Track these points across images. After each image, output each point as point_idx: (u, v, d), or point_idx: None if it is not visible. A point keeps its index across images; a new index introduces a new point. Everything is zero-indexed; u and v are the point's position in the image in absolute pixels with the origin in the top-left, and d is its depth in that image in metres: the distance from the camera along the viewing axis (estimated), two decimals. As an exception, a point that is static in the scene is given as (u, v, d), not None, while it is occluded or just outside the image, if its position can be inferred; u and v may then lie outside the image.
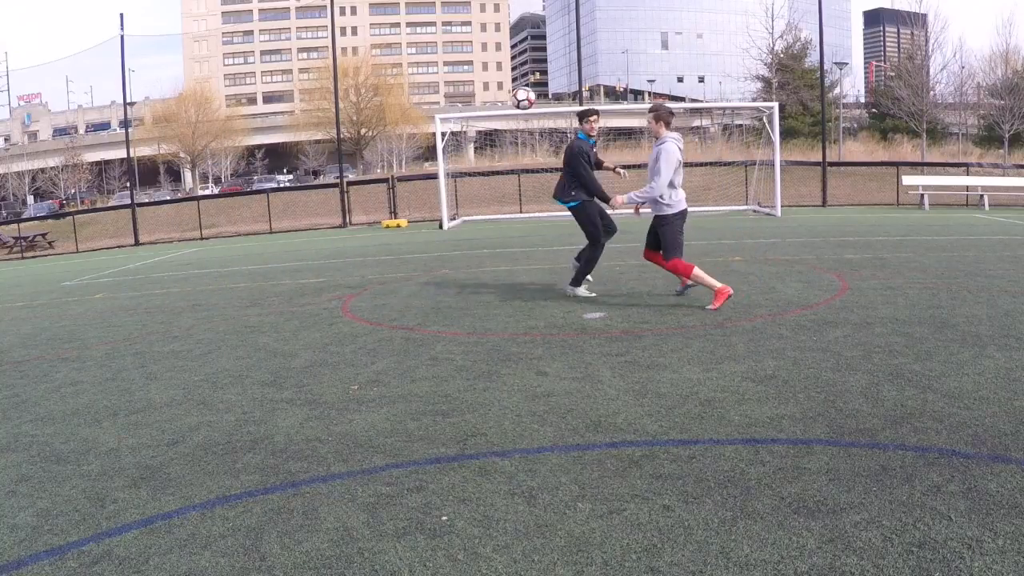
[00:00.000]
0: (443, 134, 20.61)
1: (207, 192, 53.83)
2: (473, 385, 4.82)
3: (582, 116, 7.80)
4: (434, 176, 23.08)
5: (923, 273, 8.50)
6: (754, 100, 45.76)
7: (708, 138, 54.64)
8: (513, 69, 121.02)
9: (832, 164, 27.17)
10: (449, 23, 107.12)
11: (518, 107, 9.93)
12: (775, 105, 21.30)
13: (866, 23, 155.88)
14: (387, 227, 23.13)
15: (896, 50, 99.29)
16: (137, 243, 25.04)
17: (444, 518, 3.00)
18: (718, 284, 6.87)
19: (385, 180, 27.85)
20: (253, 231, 26.21)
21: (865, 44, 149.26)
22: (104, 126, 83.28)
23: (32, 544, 2.99)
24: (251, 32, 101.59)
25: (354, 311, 7.84)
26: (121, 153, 50.71)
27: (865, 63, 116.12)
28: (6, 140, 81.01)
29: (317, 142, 61.38)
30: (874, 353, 5.09)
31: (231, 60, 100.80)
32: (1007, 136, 38.40)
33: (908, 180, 23.20)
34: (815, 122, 41.44)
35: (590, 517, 2.93)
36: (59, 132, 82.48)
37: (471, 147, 54.85)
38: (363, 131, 60.03)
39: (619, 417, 4.07)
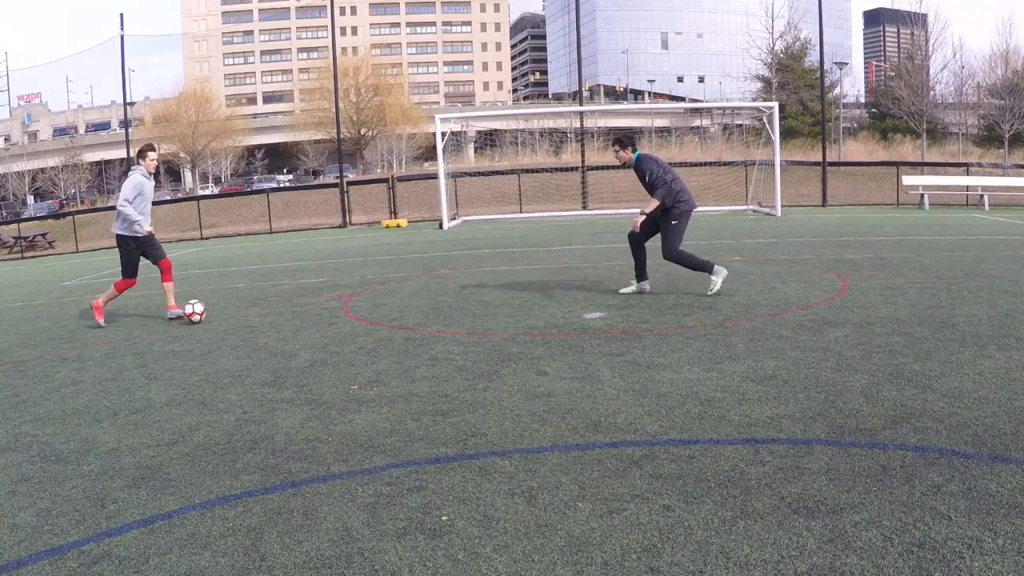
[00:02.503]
0: (443, 134, 20.62)
1: (207, 192, 53.83)
2: (473, 385, 4.83)
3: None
4: (434, 176, 23.09)
5: (923, 273, 8.50)
6: (754, 100, 45.76)
7: (708, 138, 54.67)
8: (513, 69, 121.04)
9: (832, 164, 27.17)
10: (449, 23, 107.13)
11: None
12: (775, 105, 21.30)
13: (866, 23, 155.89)
14: (387, 227, 23.13)
15: (896, 50, 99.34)
16: (137, 243, 25.01)
17: (444, 518, 3.00)
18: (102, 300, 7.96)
19: (385, 180, 27.86)
20: (253, 231, 26.21)
21: (865, 44, 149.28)
22: (104, 126, 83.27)
23: (32, 544, 2.99)
24: (251, 32, 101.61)
25: (354, 311, 7.84)
26: (121, 153, 50.67)
27: (865, 63, 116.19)
28: (6, 140, 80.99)
29: (317, 142, 61.41)
30: (874, 353, 5.09)
31: (231, 60, 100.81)
32: (1007, 136, 38.42)
33: (908, 180, 23.20)
34: (815, 122, 41.44)
35: (590, 517, 2.93)
36: (59, 132, 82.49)
37: (471, 147, 54.88)
38: (363, 131, 60.05)
39: (619, 417, 4.07)
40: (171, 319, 8.03)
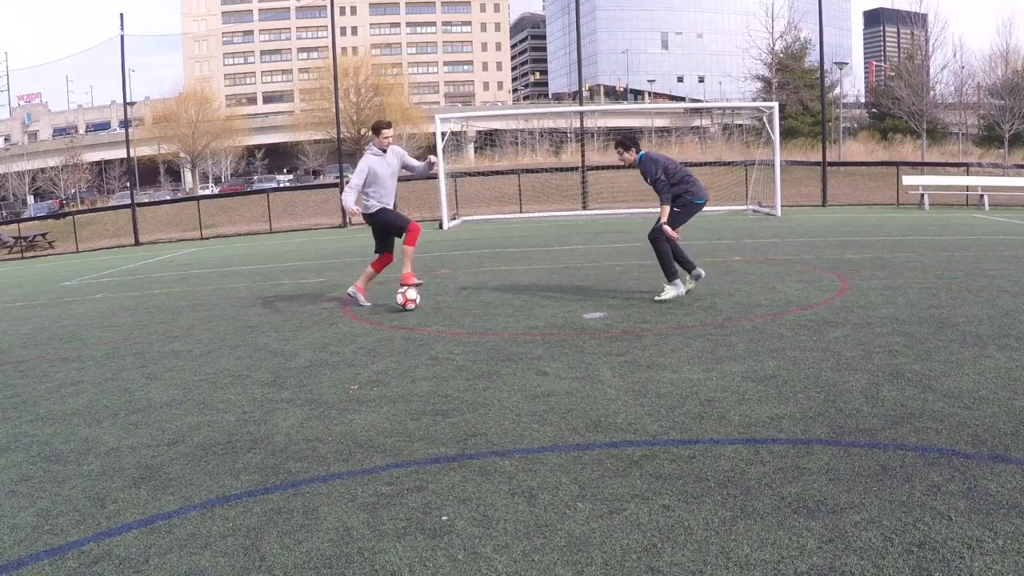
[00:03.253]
0: (443, 134, 20.60)
1: (207, 192, 53.79)
2: (473, 385, 4.83)
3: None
4: (434, 176, 23.07)
5: (923, 273, 8.50)
6: (754, 100, 45.75)
7: (708, 138, 54.67)
8: (513, 69, 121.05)
9: (832, 164, 27.16)
10: (449, 23, 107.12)
11: None
12: (775, 105, 21.30)
13: (866, 23, 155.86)
14: (387, 227, 23.08)
15: (896, 50, 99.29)
16: (137, 243, 25.05)
17: (444, 518, 3.00)
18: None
19: (385, 180, 27.81)
20: (253, 231, 26.21)
21: (865, 44, 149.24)
22: (104, 126, 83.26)
23: (32, 544, 2.99)
24: (251, 32, 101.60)
25: (354, 311, 7.84)
26: (121, 153, 50.69)
27: (865, 63, 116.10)
28: (6, 140, 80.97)
29: (317, 142, 61.36)
30: (874, 353, 5.09)
31: (231, 60, 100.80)
32: (1007, 136, 38.40)
33: (908, 180, 23.20)
34: (815, 122, 41.43)
35: (590, 517, 2.93)
36: (59, 132, 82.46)
37: (471, 147, 54.84)
38: (363, 131, 59.95)
39: (619, 417, 4.07)
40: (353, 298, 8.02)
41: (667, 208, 7.25)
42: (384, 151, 7.72)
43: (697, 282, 7.63)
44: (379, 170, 7.67)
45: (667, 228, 7.25)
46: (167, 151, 60.07)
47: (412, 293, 7.63)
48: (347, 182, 7.84)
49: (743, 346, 5.44)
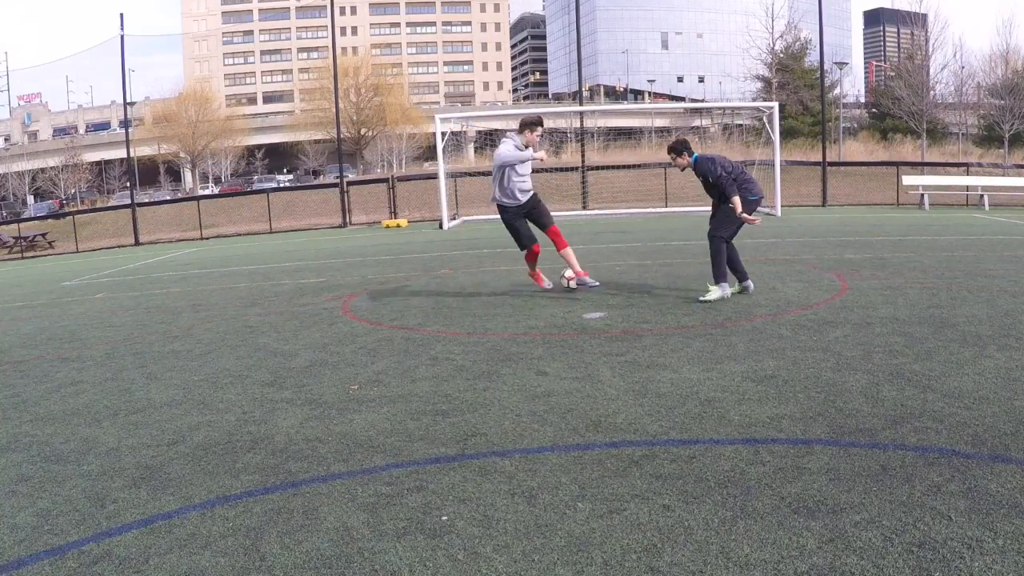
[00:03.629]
0: (443, 134, 20.60)
1: (207, 192, 53.79)
2: (473, 385, 4.83)
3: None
4: (434, 176, 23.08)
5: (923, 273, 8.50)
6: (754, 100, 45.74)
7: (708, 138, 54.62)
8: (513, 69, 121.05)
9: (832, 164, 27.14)
10: (449, 23, 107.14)
11: None
12: (775, 105, 21.30)
13: (866, 23, 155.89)
14: (387, 227, 23.13)
15: (896, 50, 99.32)
16: (137, 243, 25.04)
17: (444, 518, 3.00)
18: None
19: (385, 180, 27.85)
20: (253, 231, 26.20)
21: (865, 44, 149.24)
22: (104, 126, 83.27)
23: (32, 544, 2.99)
24: (251, 32, 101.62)
25: (354, 311, 7.84)
26: (121, 153, 50.72)
27: (865, 63, 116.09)
28: (6, 140, 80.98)
29: (317, 142, 61.41)
30: (874, 353, 5.09)
31: (231, 60, 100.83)
32: (1007, 136, 38.41)
33: (908, 180, 23.19)
34: (815, 122, 41.44)
35: (590, 517, 2.93)
36: (59, 132, 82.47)
37: (471, 147, 54.81)
38: (363, 131, 60.03)
39: (619, 417, 4.07)
40: (576, 287, 8.02)
41: (738, 199, 7.18)
42: (524, 147, 7.71)
43: (744, 293, 7.56)
44: (511, 162, 7.69)
45: (747, 216, 7.25)
46: (167, 151, 60.12)
47: (569, 272, 7.98)
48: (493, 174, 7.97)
49: (743, 346, 5.44)
